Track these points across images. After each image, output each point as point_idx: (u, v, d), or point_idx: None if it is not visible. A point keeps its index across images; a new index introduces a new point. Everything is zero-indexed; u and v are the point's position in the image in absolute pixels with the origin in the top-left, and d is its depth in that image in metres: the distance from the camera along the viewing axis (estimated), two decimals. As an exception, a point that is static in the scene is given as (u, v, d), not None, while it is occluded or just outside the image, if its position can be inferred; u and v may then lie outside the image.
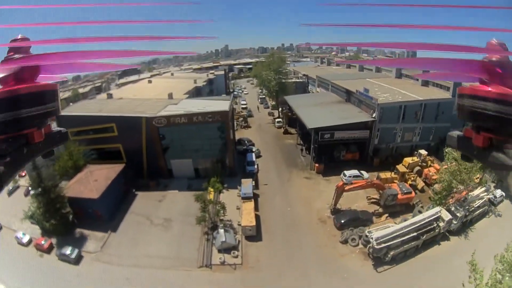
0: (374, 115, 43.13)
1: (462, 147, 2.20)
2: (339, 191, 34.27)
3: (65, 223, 34.55)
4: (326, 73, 73.62)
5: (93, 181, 38.58)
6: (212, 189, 39.10)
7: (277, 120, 65.83)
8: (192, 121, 39.70)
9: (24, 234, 33.68)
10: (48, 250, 32.47)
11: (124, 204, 39.02)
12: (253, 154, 47.73)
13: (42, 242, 32.65)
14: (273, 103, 74.02)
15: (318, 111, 48.82)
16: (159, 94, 54.45)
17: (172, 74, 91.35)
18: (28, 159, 2.08)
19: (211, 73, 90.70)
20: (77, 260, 30.94)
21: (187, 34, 2.61)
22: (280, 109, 68.27)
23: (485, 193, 34.06)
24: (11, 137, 1.93)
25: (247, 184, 37.69)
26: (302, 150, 51.22)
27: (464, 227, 31.87)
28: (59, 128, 2.39)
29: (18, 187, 42.09)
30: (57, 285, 28.90)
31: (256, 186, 40.30)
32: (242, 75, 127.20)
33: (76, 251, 31.13)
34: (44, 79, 2.22)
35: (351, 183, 35.51)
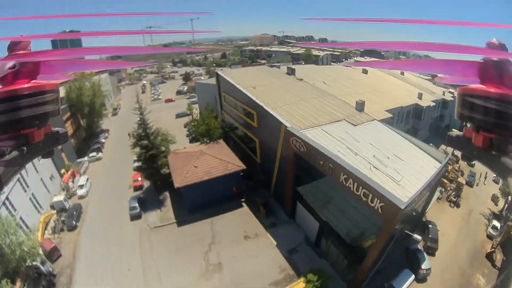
0: None
1: (462, 147, 2.15)
2: None
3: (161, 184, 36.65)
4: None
5: (191, 166, 32.77)
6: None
7: None
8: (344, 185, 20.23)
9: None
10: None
11: (214, 209, 32.86)
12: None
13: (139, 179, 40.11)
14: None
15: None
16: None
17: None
18: (28, 159, 2.04)
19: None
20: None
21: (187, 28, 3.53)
22: None
23: None
24: (11, 137, 1.91)
25: None
26: None
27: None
28: (59, 128, 2.32)
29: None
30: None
31: None
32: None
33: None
34: (44, 78, 2.15)
35: None
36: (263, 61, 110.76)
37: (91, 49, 1.94)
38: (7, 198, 31.32)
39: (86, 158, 51.46)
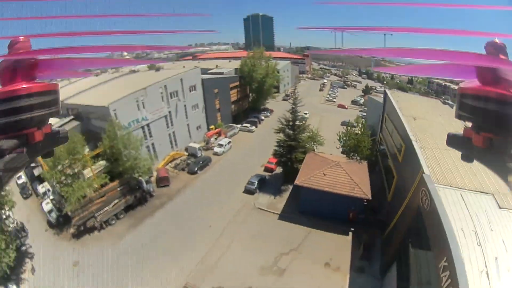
0: None
1: (462, 147, 2.13)
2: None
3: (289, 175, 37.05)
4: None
5: (321, 172, 32.01)
6: None
7: None
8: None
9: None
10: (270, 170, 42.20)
11: (320, 222, 30.77)
12: None
13: (273, 162, 41.17)
14: None
15: None
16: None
17: None
18: (28, 159, 1.98)
19: None
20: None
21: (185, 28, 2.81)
22: None
23: None
24: (11, 137, 1.89)
25: None
26: None
27: None
28: (58, 128, 2.30)
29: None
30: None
31: None
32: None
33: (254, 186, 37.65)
34: (44, 78, 2.17)
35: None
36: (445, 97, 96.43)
37: (90, 48, 1.92)
38: (147, 125, 39.41)
39: (238, 126, 57.10)
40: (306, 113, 56.82)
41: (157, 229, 30.77)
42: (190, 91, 47.64)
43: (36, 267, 28.62)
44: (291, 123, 38.24)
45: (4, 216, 29.78)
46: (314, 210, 31.45)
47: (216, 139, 50.11)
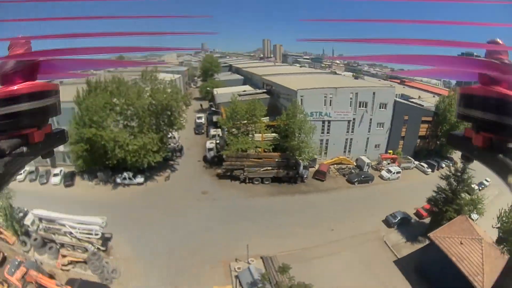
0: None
1: (462, 147, 2.15)
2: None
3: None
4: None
5: (460, 239, 29.70)
6: None
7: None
8: None
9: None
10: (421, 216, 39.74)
11: None
12: None
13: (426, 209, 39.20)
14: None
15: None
16: None
17: None
18: (28, 159, 1.99)
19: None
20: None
21: (186, 30, 2.72)
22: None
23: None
24: (11, 137, 1.89)
25: None
26: None
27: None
28: (59, 128, 2.28)
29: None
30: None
31: None
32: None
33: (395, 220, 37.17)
34: (45, 78, 2.21)
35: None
36: None
37: (90, 49, 1.88)
38: (328, 122, 46.62)
39: (416, 162, 54.63)
40: (487, 180, 47.47)
41: (286, 207, 35.57)
42: (380, 108, 49.31)
43: (172, 178, 37.83)
44: (459, 173, 35.70)
45: (170, 135, 40.07)
46: (429, 273, 29.39)
47: (388, 163, 50.45)
